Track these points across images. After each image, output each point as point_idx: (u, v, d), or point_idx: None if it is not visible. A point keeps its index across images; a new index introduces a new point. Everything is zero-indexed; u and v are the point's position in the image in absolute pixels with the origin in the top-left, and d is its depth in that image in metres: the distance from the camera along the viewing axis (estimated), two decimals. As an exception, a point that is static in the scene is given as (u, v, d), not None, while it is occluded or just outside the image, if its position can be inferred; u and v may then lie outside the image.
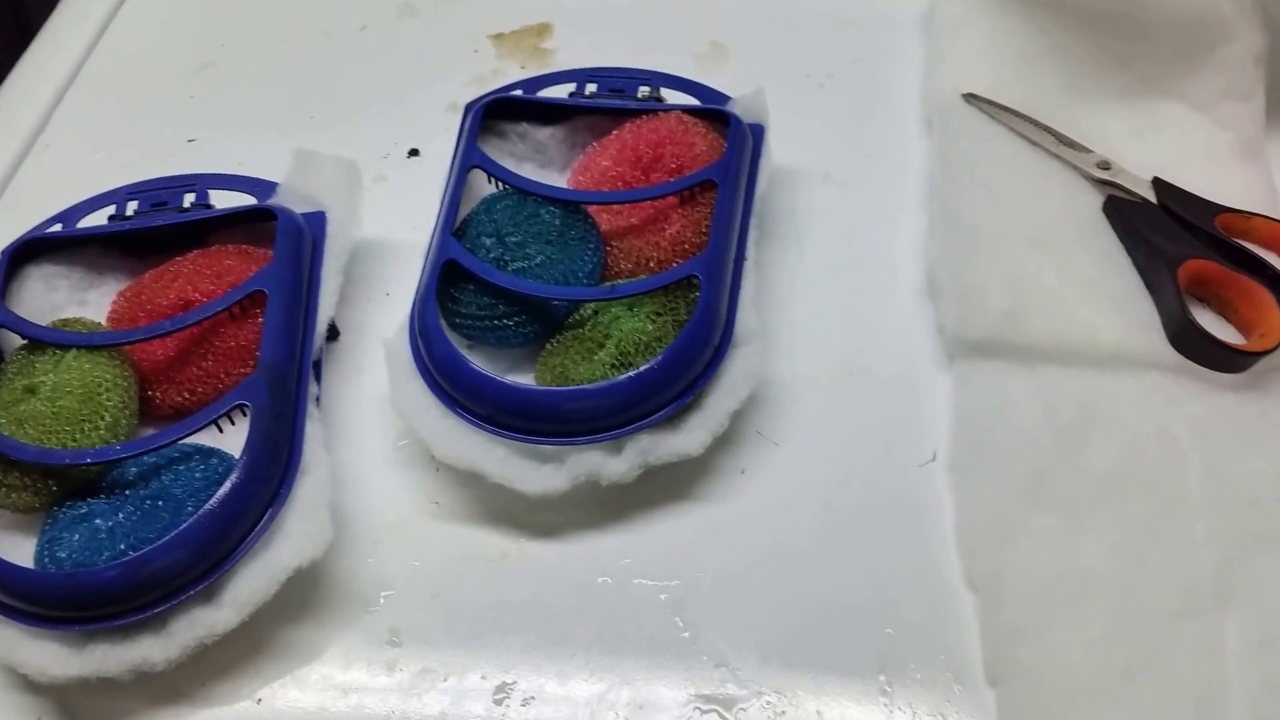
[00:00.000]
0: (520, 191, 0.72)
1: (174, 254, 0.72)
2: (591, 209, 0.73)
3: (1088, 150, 0.78)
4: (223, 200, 0.75)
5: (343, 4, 0.99)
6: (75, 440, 0.62)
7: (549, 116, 0.79)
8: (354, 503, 0.67)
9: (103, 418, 0.63)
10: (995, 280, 0.71)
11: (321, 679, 0.61)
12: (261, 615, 0.59)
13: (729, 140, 0.73)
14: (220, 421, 0.62)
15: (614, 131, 0.76)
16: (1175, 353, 0.69)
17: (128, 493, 0.61)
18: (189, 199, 0.74)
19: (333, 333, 0.71)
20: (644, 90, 0.79)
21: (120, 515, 0.60)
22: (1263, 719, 0.57)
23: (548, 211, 0.71)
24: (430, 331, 0.66)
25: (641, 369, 0.62)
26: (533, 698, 0.60)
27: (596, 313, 0.68)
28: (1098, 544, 0.63)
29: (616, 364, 0.65)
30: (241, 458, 0.59)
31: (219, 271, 0.69)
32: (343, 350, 0.74)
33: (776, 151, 0.77)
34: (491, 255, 0.69)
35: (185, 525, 0.57)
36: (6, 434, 0.62)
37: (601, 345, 0.66)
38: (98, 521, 0.60)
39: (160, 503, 0.60)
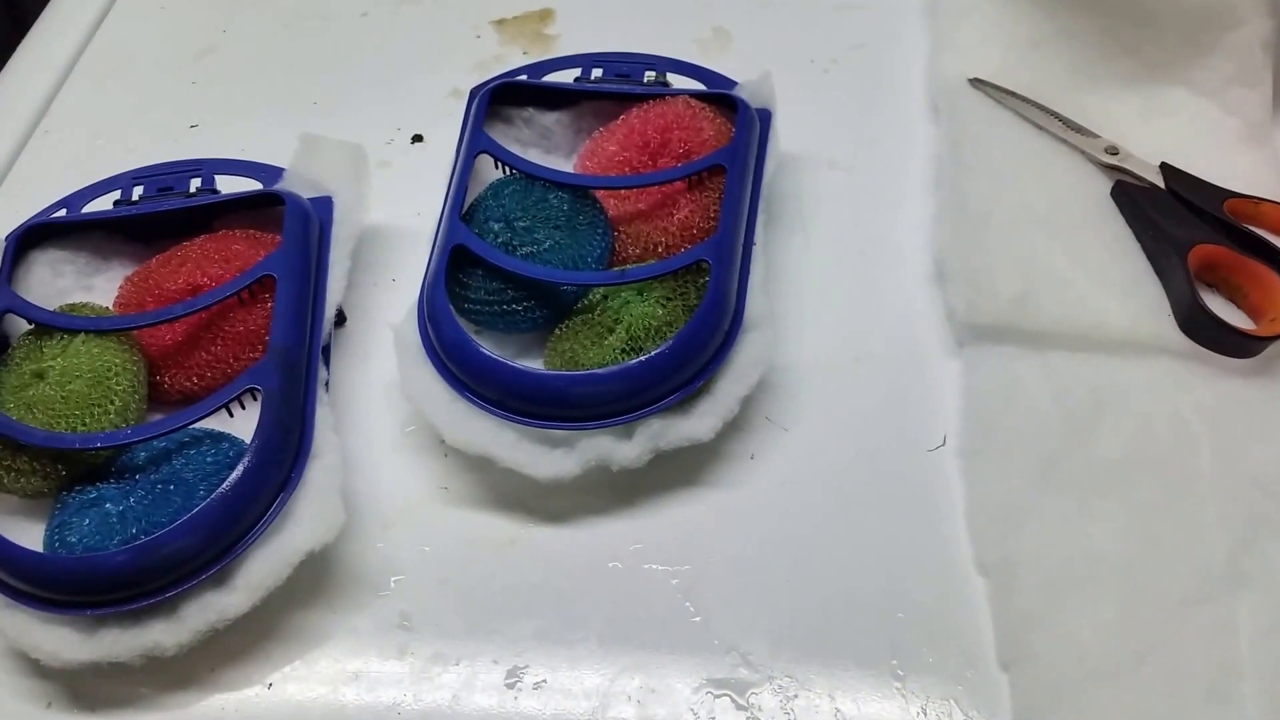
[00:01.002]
0: (528, 176, 0.72)
1: (180, 239, 0.71)
2: (599, 194, 0.73)
3: (1095, 135, 0.78)
4: (228, 185, 0.75)
5: (343, -11, 0.99)
6: (85, 425, 0.62)
7: (555, 101, 0.79)
8: (363, 488, 0.67)
9: (112, 402, 0.63)
10: (1005, 265, 0.71)
11: (332, 664, 0.61)
12: (271, 600, 0.59)
13: (737, 125, 0.73)
14: (231, 406, 0.61)
15: (621, 116, 0.76)
16: (1185, 338, 0.69)
17: (138, 477, 0.61)
18: (195, 184, 0.74)
19: (339, 318, 0.71)
20: (650, 75, 0.79)
21: (131, 500, 0.60)
22: (1276, 702, 0.57)
23: (556, 196, 0.71)
24: (440, 316, 0.65)
25: (653, 353, 0.62)
26: (544, 682, 0.60)
27: (606, 297, 0.68)
28: (1109, 528, 0.62)
29: (627, 348, 0.65)
30: (253, 441, 0.59)
31: (227, 256, 0.69)
32: (349, 336, 0.73)
33: (781, 137, 0.76)
34: (500, 240, 0.69)
35: (198, 509, 0.57)
36: (15, 418, 0.62)
37: (612, 330, 0.66)
38: (108, 506, 0.60)
39: (172, 487, 0.60)
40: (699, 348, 0.64)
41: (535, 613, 0.62)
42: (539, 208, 0.70)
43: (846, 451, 0.68)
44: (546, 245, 0.68)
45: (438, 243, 0.69)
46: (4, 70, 0.95)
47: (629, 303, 0.66)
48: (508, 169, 0.73)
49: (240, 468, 0.58)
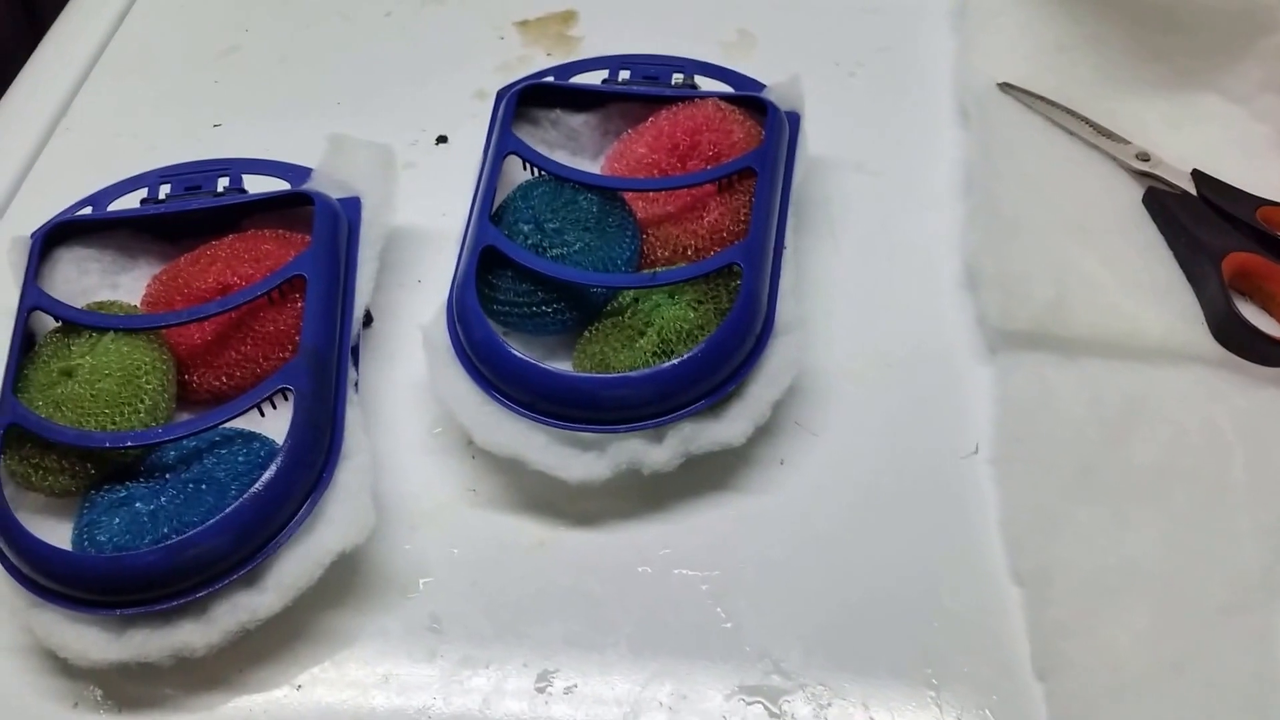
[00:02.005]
0: (557, 178, 0.71)
1: (206, 238, 0.71)
2: (628, 196, 0.72)
3: (1126, 141, 0.78)
4: (252, 184, 0.74)
5: (366, -12, 0.99)
6: (114, 423, 0.62)
7: (582, 103, 0.79)
8: (391, 489, 0.66)
9: (142, 401, 0.62)
10: (1038, 271, 0.71)
11: (361, 666, 0.60)
12: (300, 601, 0.59)
13: (767, 127, 0.72)
14: (262, 405, 0.61)
15: (649, 119, 0.76)
16: (1218, 346, 0.69)
17: (168, 476, 0.61)
18: (223, 183, 0.74)
19: (367, 319, 0.71)
20: (678, 77, 0.79)
21: (162, 499, 0.59)
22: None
23: (585, 198, 0.70)
24: (470, 317, 0.65)
25: (685, 357, 0.62)
26: (574, 686, 0.59)
27: (636, 300, 0.67)
28: (1144, 537, 0.62)
29: (659, 351, 0.64)
30: (285, 441, 0.59)
31: (257, 256, 0.68)
32: (375, 336, 0.73)
33: (808, 140, 0.76)
34: (530, 242, 0.68)
35: (230, 509, 0.56)
36: (44, 416, 0.61)
37: (643, 333, 0.65)
38: (138, 505, 0.59)
39: (203, 486, 0.60)
40: (731, 351, 0.63)
41: (565, 616, 0.62)
42: (569, 209, 0.69)
43: (877, 458, 0.67)
44: (576, 247, 0.68)
45: (467, 244, 0.69)
46: (25, 68, 0.95)
47: (660, 305, 0.66)
48: (536, 170, 0.73)
49: (273, 467, 0.58)
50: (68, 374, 0.63)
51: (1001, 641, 0.60)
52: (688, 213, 0.71)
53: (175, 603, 0.57)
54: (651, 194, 0.73)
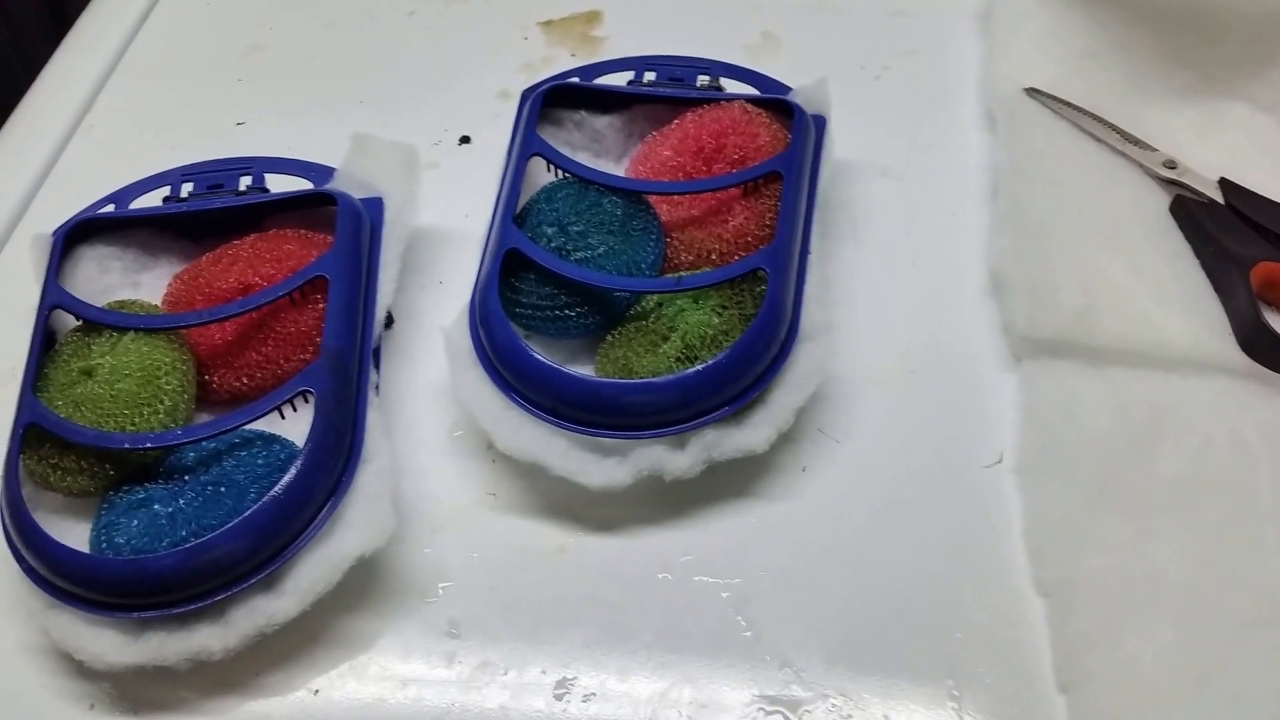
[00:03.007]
0: (581, 180, 0.71)
1: (229, 237, 0.71)
2: (652, 199, 0.72)
3: (1153, 149, 0.77)
4: (277, 184, 0.74)
5: (389, -13, 0.98)
6: (134, 424, 0.61)
7: (607, 105, 0.78)
8: (410, 492, 0.66)
9: (162, 401, 0.62)
10: (1066, 279, 0.70)
11: (379, 670, 0.60)
12: (318, 605, 0.59)
13: (793, 131, 0.72)
14: (282, 408, 0.61)
15: (675, 121, 0.75)
16: (1245, 356, 0.68)
17: (186, 478, 0.61)
18: (245, 182, 0.74)
19: (388, 321, 0.71)
20: (703, 79, 0.78)
21: (181, 501, 0.59)
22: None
23: (609, 201, 0.70)
24: (492, 320, 0.65)
25: (709, 363, 0.61)
26: (594, 694, 0.59)
27: (660, 305, 0.67)
28: (1169, 549, 0.61)
29: (682, 357, 0.64)
30: (306, 444, 0.59)
31: (279, 256, 0.68)
32: (396, 338, 0.73)
33: (833, 144, 0.76)
34: (553, 245, 0.68)
35: (250, 512, 0.56)
36: (63, 415, 0.61)
37: (666, 338, 0.65)
38: (157, 507, 0.59)
39: (223, 489, 0.59)
40: (756, 358, 0.63)
41: (584, 623, 0.62)
42: (593, 212, 0.69)
43: (900, 466, 0.67)
44: (600, 250, 0.68)
45: (490, 246, 0.69)
46: (48, 65, 0.95)
47: (684, 310, 0.66)
48: (560, 172, 0.72)
49: (293, 470, 0.57)
50: (88, 373, 0.63)
51: (1024, 653, 0.59)
52: (712, 216, 0.71)
53: (193, 606, 0.56)
54: (676, 197, 0.72)
